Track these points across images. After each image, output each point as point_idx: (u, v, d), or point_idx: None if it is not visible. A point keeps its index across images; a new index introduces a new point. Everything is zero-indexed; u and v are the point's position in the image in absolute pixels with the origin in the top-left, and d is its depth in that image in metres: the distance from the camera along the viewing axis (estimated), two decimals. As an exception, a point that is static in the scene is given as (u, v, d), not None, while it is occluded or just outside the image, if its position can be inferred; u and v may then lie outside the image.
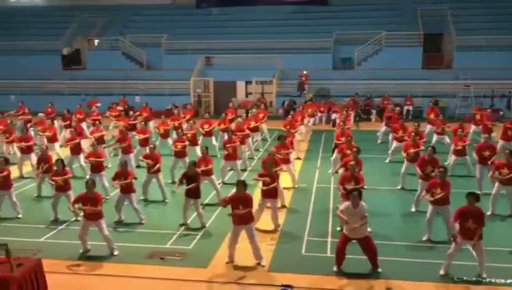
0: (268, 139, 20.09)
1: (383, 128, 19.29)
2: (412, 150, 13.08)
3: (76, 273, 8.78)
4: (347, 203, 8.60)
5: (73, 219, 11.11)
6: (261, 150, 18.43)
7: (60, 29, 33.16)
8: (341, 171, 12.85)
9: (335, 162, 14.64)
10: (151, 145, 13.14)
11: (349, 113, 20.94)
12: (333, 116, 24.12)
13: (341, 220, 8.67)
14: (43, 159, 12.65)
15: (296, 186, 13.79)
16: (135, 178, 11.25)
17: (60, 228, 10.89)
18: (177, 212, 11.40)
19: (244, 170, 15.39)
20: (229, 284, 8.40)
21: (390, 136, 17.85)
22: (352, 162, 10.64)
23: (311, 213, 11.79)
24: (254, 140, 18.40)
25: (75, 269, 8.92)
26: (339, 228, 10.47)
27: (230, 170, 14.59)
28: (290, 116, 18.24)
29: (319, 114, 24.64)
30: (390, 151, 16.70)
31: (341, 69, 29.49)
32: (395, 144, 16.33)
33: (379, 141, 19.50)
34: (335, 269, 8.66)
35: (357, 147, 11.90)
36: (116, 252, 9.40)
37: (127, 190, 10.88)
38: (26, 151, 14.74)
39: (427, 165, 11.29)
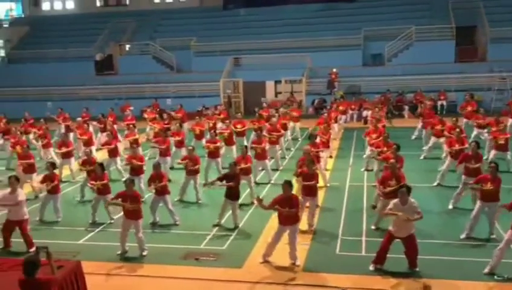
0: (299, 139, 20.02)
1: (420, 124, 18.80)
2: (457, 146, 12.74)
3: (113, 275, 8.93)
4: (395, 201, 8.40)
5: (109, 221, 11.35)
6: (292, 149, 18.37)
7: (92, 35, 33.97)
8: (375, 168, 12.72)
9: (367, 159, 14.48)
10: (190, 147, 13.25)
11: (380, 109, 20.65)
12: (364, 113, 23.88)
13: (392, 216, 8.37)
14: (88, 161, 12.96)
15: (328, 185, 13.68)
16: (169, 180, 11.40)
17: (97, 230, 11.12)
18: (211, 213, 11.52)
19: (276, 170, 15.38)
20: (264, 284, 8.40)
21: (424, 132, 17.54)
22: (392, 160, 10.48)
23: (345, 212, 11.69)
24: (285, 139, 18.37)
25: (112, 270, 9.07)
26: (373, 227, 10.35)
27: (262, 169, 14.60)
28: (324, 114, 18.14)
29: (350, 111, 24.41)
30: (426, 148, 16.36)
31: (371, 65, 29.14)
32: (433, 139, 15.92)
33: (413, 137, 19.12)
34: (371, 268, 8.53)
35: (397, 144, 11.74)
36: (145, 253, 9.55)
37: (162, 191, 11.02)
38: (66, 155, 15.10)
39: (470, 161, 11.01)
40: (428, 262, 8.64)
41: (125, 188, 9.65)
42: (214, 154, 14.33)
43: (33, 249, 9.32)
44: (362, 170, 14.76)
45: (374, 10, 31.92)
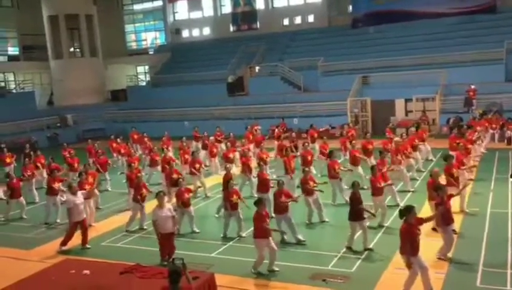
0: (433, 159, 18.94)
1: None
2: None
3: (241, 289, 9.18)
4: None
5: (237, 237, 11.78)
6: (423, 170, 17.40)
7: (225, 59, 36.04)
8: None
9: None
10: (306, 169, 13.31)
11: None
12: (508, 133, 21.82)
13: None
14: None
15: (467, 210, 12.67)
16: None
17: (228, 244, 11.59)
18: (338, 233, 11.40)
19: (407, 191, 14.72)
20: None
21: None
22: None
23: (486, 240, 10.69)
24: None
25: (242, 284, 9.33)
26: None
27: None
28: (467, 133, 17.09)
29: (491, 131, 22.44)
30: None
31: (515, 80, 26.61)
32: None
33: None
34: None
35: None
36: (276, 268, 9.65)
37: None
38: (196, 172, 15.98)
39: None
40: None
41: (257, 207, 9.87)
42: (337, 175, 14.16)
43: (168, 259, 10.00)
44: None
45: (518, 21, 29.25)
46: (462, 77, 26.08)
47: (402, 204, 13.41)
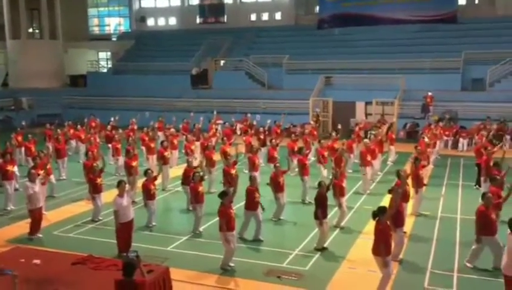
0: (388, 163, 19.45)
1: None
2: None
3: (197, 284, 9.14)
4: None
5: (192, 231, 11.72)
6: (379, 173, 17.81)
7: (190, 51, 35.65)
8: None
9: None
10: (277, 164, 13.41)
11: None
12: (461, 141, 22.70)
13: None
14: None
15: (418, 213, 13.10)
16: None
17: (184, 238, 11.50)
18: (296, 231, 11.52)
19: (361, 194, 15.08)
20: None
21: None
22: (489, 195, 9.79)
23: (435, 243, 11.09)
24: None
25: (197, 279, 9.30)
26: (469, 265, 9.67)
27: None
28: (425, 138, 17.54)
29: (444, 138, 23.23)
30: None
31: (470, 90, 27.63)
32: None
33: None
34: None
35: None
36: (232, 264, 9.72)
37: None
38: (165, 163, 15.80)
39: None
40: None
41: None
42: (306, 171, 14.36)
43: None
44: None
45: (477, 32, 30.36)
46: (421, 84, 26.90)
47: (357, 206, 13.80)
